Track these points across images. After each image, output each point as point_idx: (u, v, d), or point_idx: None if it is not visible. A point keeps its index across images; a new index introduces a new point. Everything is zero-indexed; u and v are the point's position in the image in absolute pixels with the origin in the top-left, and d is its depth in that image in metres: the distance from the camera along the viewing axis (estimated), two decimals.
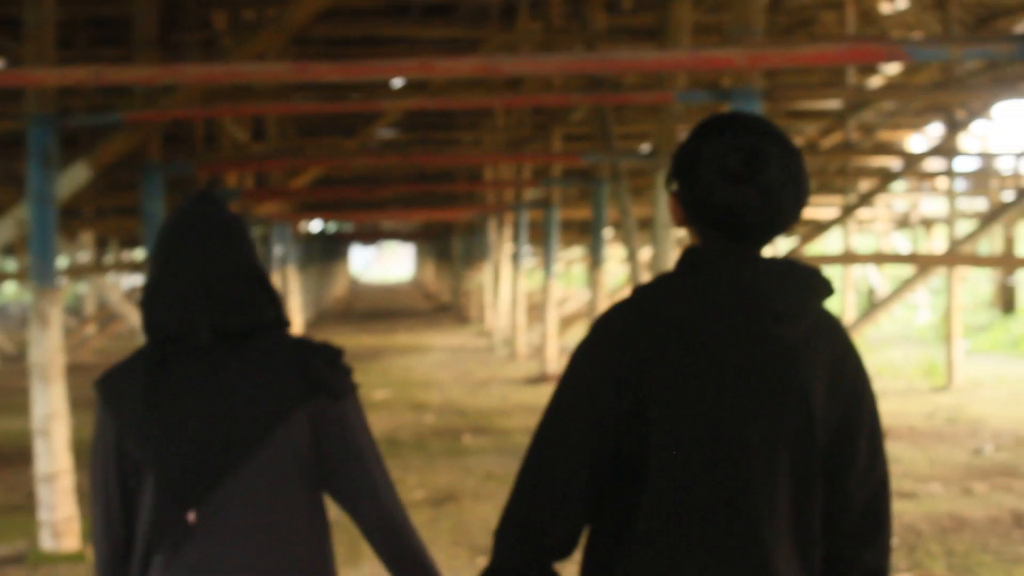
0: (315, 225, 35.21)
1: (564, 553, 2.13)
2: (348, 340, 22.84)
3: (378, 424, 12.29)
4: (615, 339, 2.09)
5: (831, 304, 2.67)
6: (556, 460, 2.09)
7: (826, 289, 2.10)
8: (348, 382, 2.37)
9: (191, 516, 2.24)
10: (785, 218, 2.09)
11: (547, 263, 16.97)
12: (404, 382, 16.19)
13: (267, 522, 2.28)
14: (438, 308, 37.15)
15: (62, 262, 14.96)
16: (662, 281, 2.13)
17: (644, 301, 2.12)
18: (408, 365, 18.55)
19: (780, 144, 2.08)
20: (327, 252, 40.15)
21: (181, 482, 2.24)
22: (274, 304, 2.39)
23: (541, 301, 17.23)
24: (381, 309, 36.79)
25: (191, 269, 2.31)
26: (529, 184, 16.70)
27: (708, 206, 2.08)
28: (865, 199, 13.79)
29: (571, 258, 31.39)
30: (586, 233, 28.50)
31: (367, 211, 25.41)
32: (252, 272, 2.37)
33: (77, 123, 7.89)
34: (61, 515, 7.13)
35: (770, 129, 2.10)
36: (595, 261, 13.63)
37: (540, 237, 24.82)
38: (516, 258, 19.53)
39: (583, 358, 2.13)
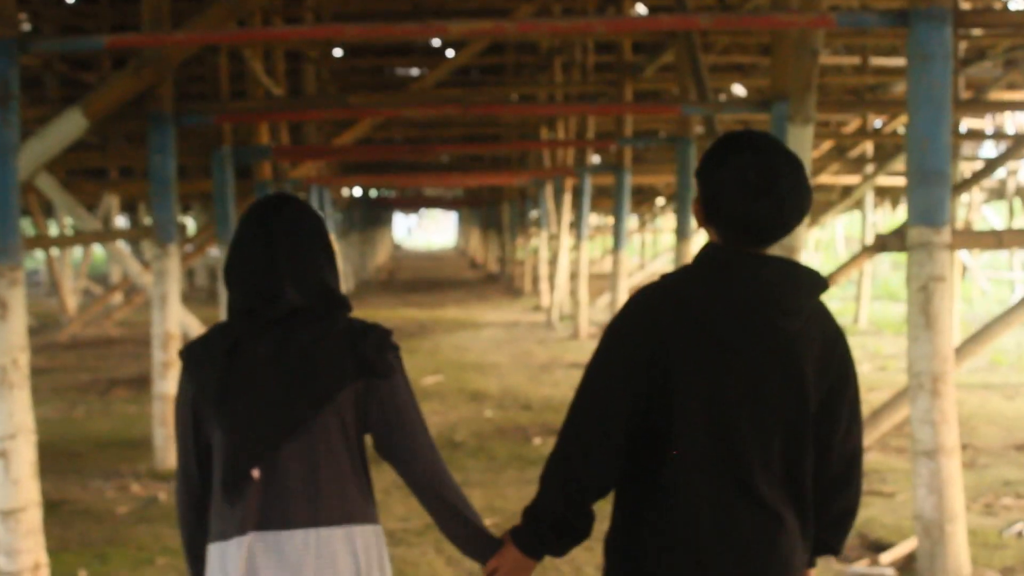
0: (356, 190, 33.55)
1: (599, 495, 2.60)
2: (393, 314, 21.13)
3: (432, 419, 10.55)
4: (644, 319, 2.52)
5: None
6: (593, 420, 2.53)
7: (821, 286, 2.55)
8: (393, 362, 2.70)
9: (255, 472, 2.60)
10: (793, 222, 2.52)
11: (618, 233, 15.12)
12: (457, 365, 14.43)
13: (318, 478, 2.63)
14: (486, 278, 35.40)
15: (74, 225, 13.30)
16: (686, 272, 2.59)
17: (670, 288, 2.56)
18: (459, 344, 16.78)
19: (789, 160, 2.51)
20: (369, 218, 38.55)
21: (248, 444, 2.61)
22: (335, 278, 2.75)
23: (600, 273, 15.38)
24: (426, 279, 35.01)
25: (265, 250, 2.65)
26: (600, 144, 14.81)
27: (731, 214, 2.49)
28: (995, 164, 11.85)
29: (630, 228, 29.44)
30: (644, 201, 26.70)
31: (413, 175, 23.48)
32: (318, 246, 2.72)
33: (44, 48, 6.17)
34: (26, 563, 5.41)
35: (780, 147, 2.54)
36: (682, 232, 11.70)
37: (597, 204, 23.05)
38: (578, 227, 17.61)
39: (616, 334, 2.57)
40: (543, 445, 9.33)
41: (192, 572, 2.81)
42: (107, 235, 10.29)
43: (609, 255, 32.61)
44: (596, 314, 19.59)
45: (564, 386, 12.58)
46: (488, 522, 7.04)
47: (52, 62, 15.96)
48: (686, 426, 2.47)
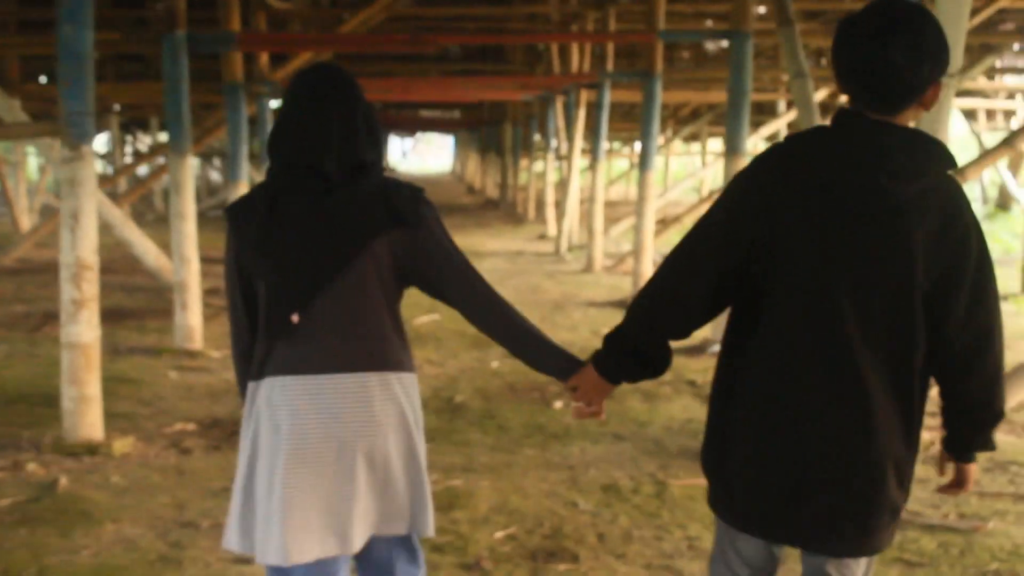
0: None
1: (679, 336, 2.65)
2: None
3: (427, 371, 8.62)
4: (762, 176, 2.55)
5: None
6: (692, 261, 2.58)
7: (947, 159, 2.49)
8: (425, 212, 2.86)
9: (295, 317, 2.80)
10: (918, 79, 2.42)
11: (645, 152, 12.97)
12: None
13: (354, 323, 2.82)
14: (484, 204, 33.33)
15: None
16: (809, 133, 2.61)
17: (790, 148, 2.58)
18: None
19: (923, 18, 2.43)
20: None
21: (288, 291, 2.81)
22: (376, 148, 2.87)
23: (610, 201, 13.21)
24: None
25: (314, 116, 2.81)
26: (635, 38, 12.60)
27: (851, 61, 2.45)
28: None
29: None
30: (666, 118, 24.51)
31: (410, 81, 21.20)
32: (360, 122, 2.83)
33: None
34: None
35: (919, 9, 2.45)
36: (732, 148, 9.58)
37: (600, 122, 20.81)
38: (595, 146, 15.47)
39: (735, 186, 2.60)
40: (567, 411, 7.34)
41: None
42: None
43: (615, 183, 30.55)
44: (611, 245, 17.55)
45: (583, 329, 10.60)
46: (500, 534, 5.08)
47: None
48: (784, 280, 2.49)
